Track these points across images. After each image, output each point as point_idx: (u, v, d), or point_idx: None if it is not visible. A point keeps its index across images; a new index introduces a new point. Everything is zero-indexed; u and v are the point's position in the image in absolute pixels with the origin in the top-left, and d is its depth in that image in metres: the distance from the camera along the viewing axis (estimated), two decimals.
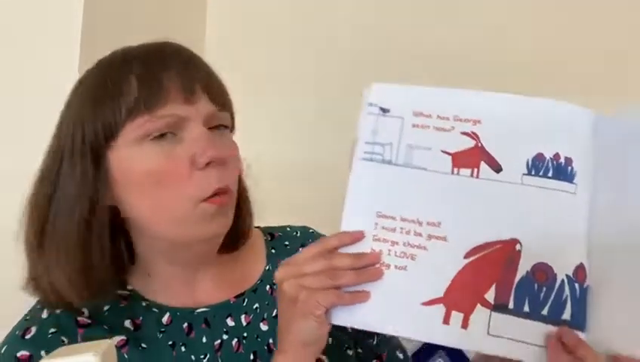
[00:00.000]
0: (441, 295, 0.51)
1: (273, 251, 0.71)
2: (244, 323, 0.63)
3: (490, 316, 0.50)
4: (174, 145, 0.56)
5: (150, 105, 0.54)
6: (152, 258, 0.62)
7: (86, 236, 0.56)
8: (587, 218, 0.52)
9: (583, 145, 0.53)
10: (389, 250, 0.53)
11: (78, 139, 0.56)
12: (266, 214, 0.70)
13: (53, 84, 0.86)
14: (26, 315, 0.60)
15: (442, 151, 0.54)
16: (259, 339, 0.63)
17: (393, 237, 0.53)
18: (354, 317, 0.52)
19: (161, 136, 0.55)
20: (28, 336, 0.56)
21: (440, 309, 0.51)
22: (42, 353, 0.54)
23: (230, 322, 0.63)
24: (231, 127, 0.63)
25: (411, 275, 0.52)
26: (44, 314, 0.58)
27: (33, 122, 0.87)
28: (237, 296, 0.65)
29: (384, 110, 0.56)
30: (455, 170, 0.54)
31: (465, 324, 0.51)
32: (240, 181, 0.64)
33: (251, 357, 0.62)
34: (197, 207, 0.56)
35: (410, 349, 0.99)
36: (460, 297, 0.51)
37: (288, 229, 0.75)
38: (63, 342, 0.56)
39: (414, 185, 0.54)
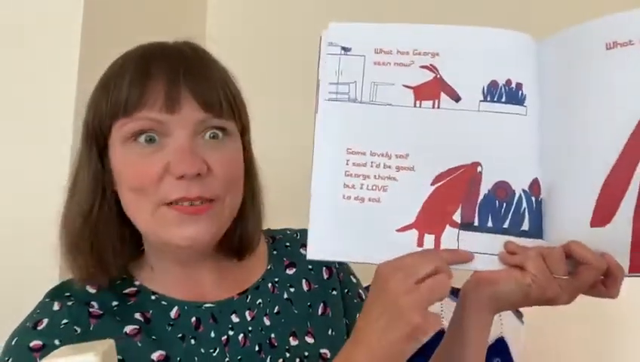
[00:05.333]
0: (413, 221, 0.55)
1: (275, 253, 0.72)
2: (249, 319, 0.65)
3: (458, 234, 0.55)
4: (156, 151, 0.56)
5: (129, 109, 0.56)
6: (152, 252, 0.64)
7: (97, 221, 0.59)
8: (538, 135, 0.56)
9: (529, 69, 0.57)
10: (362, 184, 0.56)
11: (90, 125, 0.60)
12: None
13: (53, 84, 0.93)
14: (35, 309, 0.59)
15: (404, 86, 0.56)
16: (263, 332, 0.65)
17: (364, 172, 0.56)
18: (333, 250, 0.55)
19: (149, 141, 0.56)
20: (40, 327, 0.56)
21: (413, 234, 0.55)
22: (56, 342, 0.54)
23: (235, 318, 0.64)
24: (241, 132, 0.63)
25: (384, 206, 0.56)
26: (56, 307, 0.58)
27: (33, 122, 0.94)
28: (240, 294, 0.66)
29: (345, 49, 0.57)
30: (417, 102, 0.56)
31: (437, 244, 0.55)
32: (247, 187, 0.64)
33: (257, 348, 0.64)
34: (157, 211, 0.56)
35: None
36: (430, 221, 0.55)
37: (288, 232, 0.76)
38: (76, 331, 0.56)
39: (380, 121, 0.56)
